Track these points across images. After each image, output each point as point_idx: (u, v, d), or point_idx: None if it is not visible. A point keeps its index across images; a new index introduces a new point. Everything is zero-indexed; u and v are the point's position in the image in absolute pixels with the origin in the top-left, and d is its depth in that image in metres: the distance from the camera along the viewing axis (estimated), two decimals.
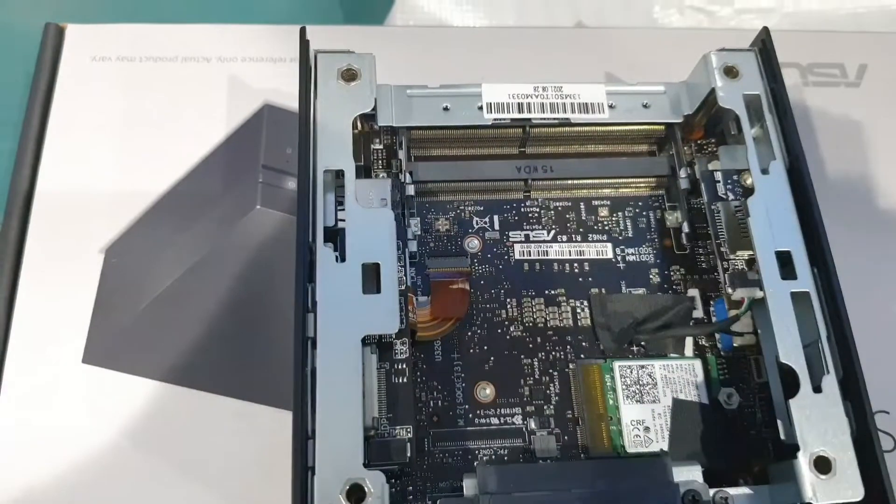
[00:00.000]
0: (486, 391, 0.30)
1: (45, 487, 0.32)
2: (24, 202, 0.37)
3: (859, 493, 0.26)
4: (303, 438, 0.24)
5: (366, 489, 0.24)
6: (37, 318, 0.35)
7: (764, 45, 0.33)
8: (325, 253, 0.27)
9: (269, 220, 0.37)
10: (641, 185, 0.35)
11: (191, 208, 0.37)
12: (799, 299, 0.29)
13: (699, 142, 0.35)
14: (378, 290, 0.27)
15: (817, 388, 0.27)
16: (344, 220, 0.28)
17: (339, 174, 0.29)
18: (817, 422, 0.27)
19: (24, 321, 0.34)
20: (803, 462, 0.26)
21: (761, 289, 0.29)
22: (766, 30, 0.33)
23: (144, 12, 0.49)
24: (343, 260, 0.27)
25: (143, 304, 0.35)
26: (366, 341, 0.26)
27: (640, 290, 0.33)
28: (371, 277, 0.27)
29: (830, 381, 0.28)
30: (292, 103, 0.40)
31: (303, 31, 0.30)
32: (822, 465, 0.26)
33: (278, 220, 0.37)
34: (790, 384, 0.28)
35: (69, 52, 0.41)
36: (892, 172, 0.40)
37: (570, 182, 0.34)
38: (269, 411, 0.34)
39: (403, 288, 0.29)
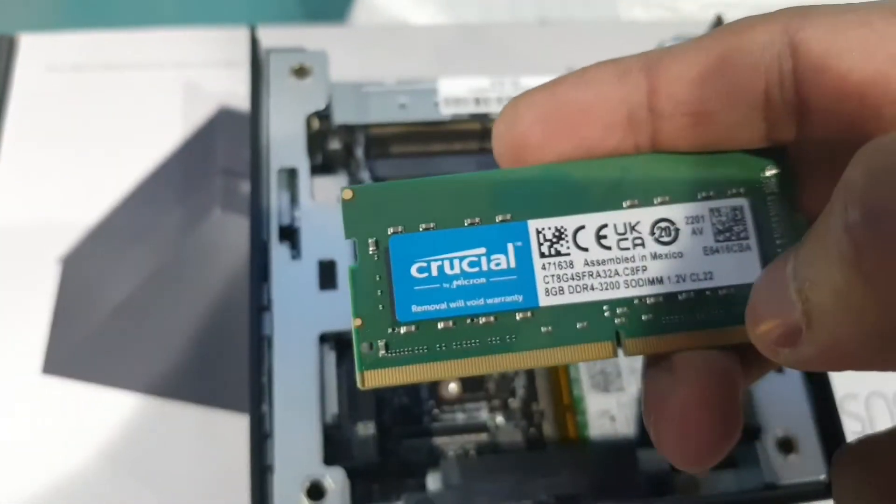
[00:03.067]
0: (451, 387, 0.30)
1: (7, 500, 0.31)
2: None
3: (823, 472, 0.26)
4: (259, 437, 0.24)
5: (326, 486, 0.23)
6: None
7: None
8: (280, 251, 0.27)
9: (230, 224, 0.37)
10: None
11: (150, 215, 0.37)
12: None
13: None
14: (335, 287, 0.27)
15: (780, 369, 0.27)
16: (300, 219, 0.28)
17: (294, 172, 0.29)
18: (779, 402, 0.27)
19: None
20: (767, 443, 0.26)
21: None
22: (719, 17, 0.34)
23: (96, 17, 0.48)
24: (299, 257, 0.27)
25: (104, 313, 0.35)
26: (324, 338, 0.26)
27: None
28: (328, 274, 0.27)
29: None
30: (249, 106, 0.40)
31: (252, 31, 0.30)
32: (786, 445, 0.26)
33: (239, 224, 0.37)
34: None
35: (22, 63, 0.40)
36: None
37: None
38: (234, 417, 0.33)
39: None
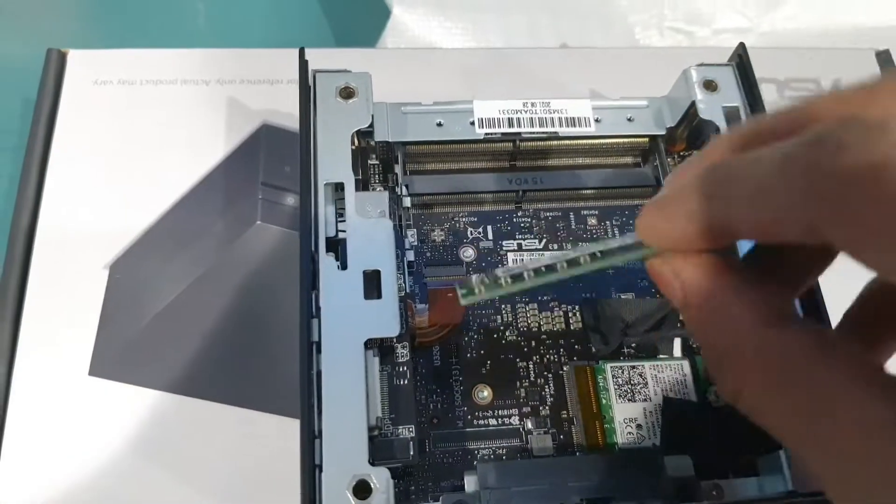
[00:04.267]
0: (484, 393, 0.31)
1: (56, 495, 0.32)
2: (30, 222, 0.38)
3: None
4: (310, 438, 0.25)
5: (372, 485, 0.25)
6: (44, 332, 0.36)
7: (741, 60, 0.35)
8: (327, 262, 0.28)
9: (269, 234, 0.38)
10: (627, 195, 0.36)
11: (192, 225, 0.39)
12: None
13: (682, 153, 0.37)
14: (379, 296, 0.28)
15: None
16: (344, 231, 0.30)
17: (339, 187, 0.30)
18: None
19: (32, 336, 0.35)
20: (790, 451, 0.27)
21: None
22: (742, 45, 0.35)
23: (143, 38, 0.50)
24: (345, 268, 0.28)
25: (147, 318, 0.36)
26: (368, 345, 0.27)
27: (629, 295, 0.34)
28: (372, 284, 0.28)
29: None
30: (289, 123, 0.42)
31: (301, 52, 0.32)
32: None
33: (278, 234, 0.38)
34: None
35: (71, 77, 0.42)
36: None
37: (559, 193, 0.36)
38: (272, 419, 0.34)
39: (403, 294, 0.30)
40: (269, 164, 0.40)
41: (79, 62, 0.42)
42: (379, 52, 0.47)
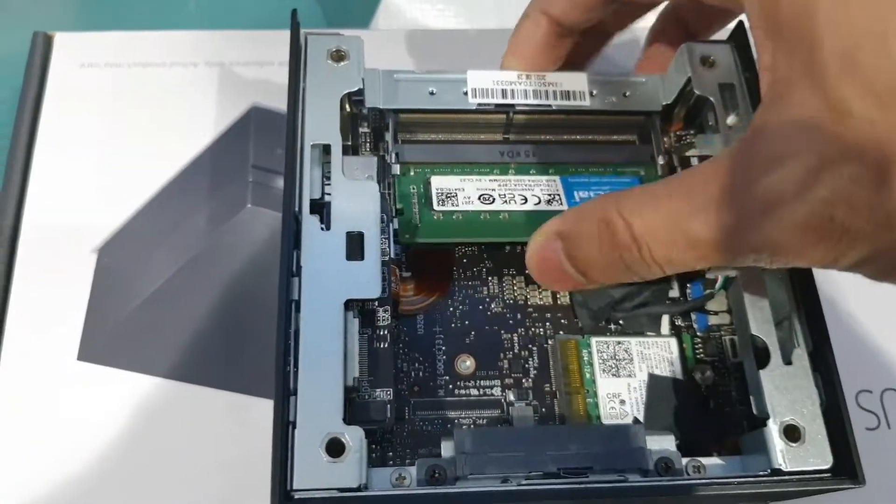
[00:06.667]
0: (467, 363, 0.31)
1: (46, 481, 0.32)
2: (16, 205, 0.38)
3: (828, 461, 0.27)
4: (285, 395, 0.25)
5: (345, 443, 0.24)
6: (32, 317, 0.35)
7: (739, 38, 0.35)
8: (310, 222, 0.28)
9: (260, 218, 0.38)
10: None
11: (182, 208, 0.38)
12: (770, 275, 0.30)
13: (679, 133, 0.36)
14: (362, 258, 0.28)
15: (788, 361, 0.28)
16: (330, 194, 0.29)
17: (327, 149, 0.30)
18: (787, 392, 0.28)
19: (20, 320, 0.35)
20: (773, 430, 0.27)
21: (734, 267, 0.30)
22: (740, 23, 0.35)
23: (130, 20, 0.49)
24: (328, 229, 0.28)
25: (136, 302, 0.36)
26: (348, 306, 0.27)
27: None
28: (355, 245, 0.28)
29: (800, 354, 0.28)
30: (280, 105, 0.41)
31: (294, 13, 0.31)
32: (792, 433, 0.27)
33: (269, 218, 0.38)
34: (762, 358, 0.29)
35: (58, 60, 0.41)
36: None
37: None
38: (264, 403, 0.34)
39: (387, 259, 0.29)
40: (259, 146, 0.39)
41: (65, 45, 0.42)
42: (371, 33, 0.47)
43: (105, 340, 0.35)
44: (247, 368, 0.35)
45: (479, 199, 0.32)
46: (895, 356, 0.36)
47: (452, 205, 0.32)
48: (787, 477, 0.27)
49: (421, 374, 0.30)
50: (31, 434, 0.33)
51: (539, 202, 0.32)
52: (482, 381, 0.31)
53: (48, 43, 0.42)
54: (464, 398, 0.30)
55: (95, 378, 0.34)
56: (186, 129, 0.40)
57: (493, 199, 0.32)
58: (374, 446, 0.29)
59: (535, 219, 0.31)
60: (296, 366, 0.25)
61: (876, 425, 0.34)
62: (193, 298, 0.36)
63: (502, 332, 0.32)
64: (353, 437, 0.24)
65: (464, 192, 0.32)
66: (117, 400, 0.34)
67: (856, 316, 0.36)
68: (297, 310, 0.26)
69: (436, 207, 0.32)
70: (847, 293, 0.37)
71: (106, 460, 0.33)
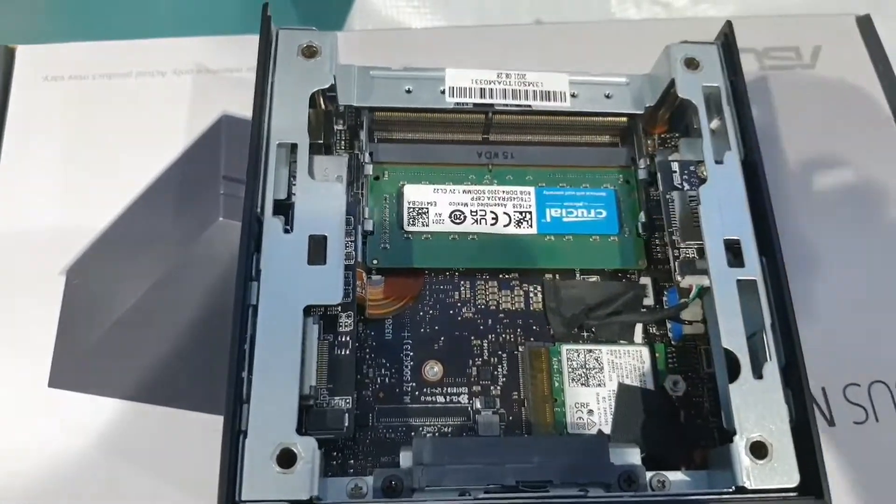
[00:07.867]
0: (435, 370, 0.30)
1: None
2: None
3: (794, 480, 0.26)
4: (237, 402, 0.24)
5: (296, 453, 0.24)
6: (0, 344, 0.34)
7: (727, 39, 0.34)
8: (272, 224, 0.27)
9: (233, 231, 0.36)
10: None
11: (152, 224, 0.37)
12: (745, 287, 0.29)
13: (663, 136, 0.35)
14: (324, 262, 0.27)
15: (759, 375, 0.27)
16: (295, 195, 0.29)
17: (294, 147, 0.29)
18: (756, 407, 0.27)
19: None
20: (740, 446, 0.26)
21: (709, 276, 0.29)
22: (728, 24, 0.34)
23: (96, 30, 0.48)
24: (290, 231, 0.27)
25: (108, 324, 0.34)
26: (309, 312, 0.27)
27: (594, 278, 0.33)
28: (318, 249, 0.27)
29: (772, 369, 0.28)
30: (250, 113, 0.39)
31: (265, 7, 0.31)
32: (759, 449, 0.26)
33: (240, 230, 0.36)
34: (734, 371, 0.28)
35: (20, 73, 0.40)
36: (847, 149, 0.40)
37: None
38: None
39: (353, 262, 0.29)
40: (230, 156, 0.38)
41: (28, 58, 0.40)
42: (346, 34, 0.45)
43: (77, 365, 0.33)
44: (222, 389, 0.33)
45: (450, 216, 0.32)
46: (883, 348, 0.35)
47: (423, 224, 0.31)
48: (750, 495, 0.26)
49: (387, 380, 0.30)
50: (3, 465, 0.32)
51: (509, 222, 0.32)
52: (449, 389, 0.30)
53: (10, 56, 0.40)
54: (430, 405, 0.30)
55: (68, 405, 0.33)
56: (155, 141, 0.38)
57: (465, 217, 0.32)
58: (335, 454, 0.28)
59: (503, 244, 0.32)
60: (250, 373, 0.25)
61: (864, 419, 0.33)
62: (167, 317, 0.34)
63: (472, 338, 0.31)
64: (306, 448, 0.24)
65: (435, 208, 0.32)
66: (91, 427, 0.32)
67: (843, 307, 0.35)
68: (255, 314, 0.26)
69: (406, 227, 0.31)
70: (835, 284, 0.36)
71: (81, 489, 0.31)
